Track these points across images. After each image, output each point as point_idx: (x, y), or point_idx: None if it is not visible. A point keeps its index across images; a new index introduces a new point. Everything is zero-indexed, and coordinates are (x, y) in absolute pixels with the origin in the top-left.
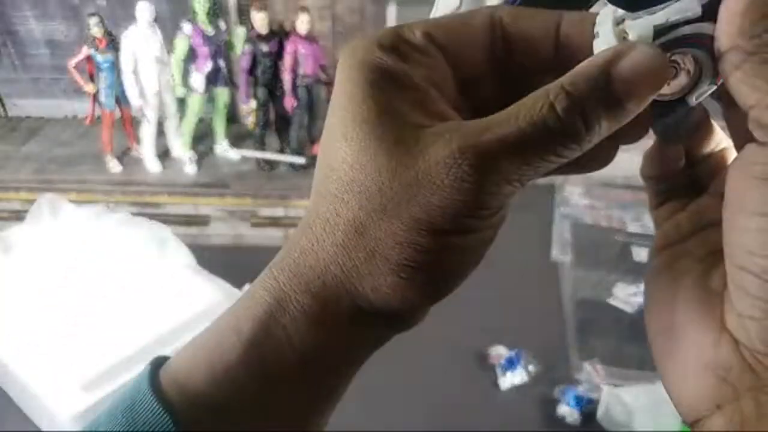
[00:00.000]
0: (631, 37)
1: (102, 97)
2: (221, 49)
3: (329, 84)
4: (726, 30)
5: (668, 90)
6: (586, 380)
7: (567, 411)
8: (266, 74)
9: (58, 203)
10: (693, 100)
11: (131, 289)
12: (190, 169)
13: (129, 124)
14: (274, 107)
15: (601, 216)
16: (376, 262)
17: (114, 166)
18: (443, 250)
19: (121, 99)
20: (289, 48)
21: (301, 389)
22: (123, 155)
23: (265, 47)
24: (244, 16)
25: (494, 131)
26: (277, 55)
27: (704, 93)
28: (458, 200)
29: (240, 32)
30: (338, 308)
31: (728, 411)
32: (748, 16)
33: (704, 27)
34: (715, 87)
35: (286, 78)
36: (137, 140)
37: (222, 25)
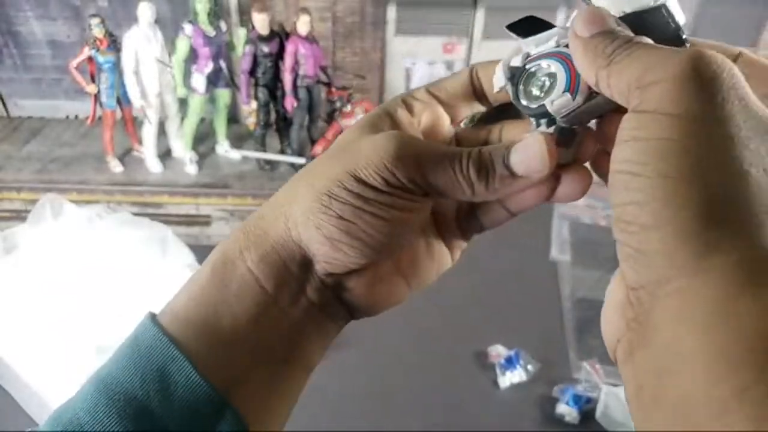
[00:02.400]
0: (512, 63)
1: (103, 98)
2: (222, 49)
3: (329, 85)
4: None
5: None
6: (584, 379)
7: (566, 410)
8: (267, 75)
9: (60, 203)
10: (551, 105)
11: (132, 289)
12: (191, 169)
13: (130, 124)
14: (275, 108)
15: (599, 215)
16: (306, 190)
17: (115, 166)
18: (358, 197)
19: (122, 99)
20: (289, 49)
21: (249, 299)
22: (124, 155)
23: (265, 48)
24: (244, 17)
25: (427, 141)
26: (278, 55)
27: (563, 103)
28: (379, 157)
29: (241, 33)
30: (276, 233)
31: (622, 342)
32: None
33: (563, 50)
34: (571, 98)
35: (287, 78)
36: (139, 140)
37: (223, 26)
